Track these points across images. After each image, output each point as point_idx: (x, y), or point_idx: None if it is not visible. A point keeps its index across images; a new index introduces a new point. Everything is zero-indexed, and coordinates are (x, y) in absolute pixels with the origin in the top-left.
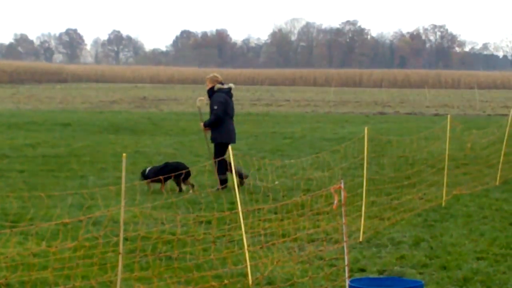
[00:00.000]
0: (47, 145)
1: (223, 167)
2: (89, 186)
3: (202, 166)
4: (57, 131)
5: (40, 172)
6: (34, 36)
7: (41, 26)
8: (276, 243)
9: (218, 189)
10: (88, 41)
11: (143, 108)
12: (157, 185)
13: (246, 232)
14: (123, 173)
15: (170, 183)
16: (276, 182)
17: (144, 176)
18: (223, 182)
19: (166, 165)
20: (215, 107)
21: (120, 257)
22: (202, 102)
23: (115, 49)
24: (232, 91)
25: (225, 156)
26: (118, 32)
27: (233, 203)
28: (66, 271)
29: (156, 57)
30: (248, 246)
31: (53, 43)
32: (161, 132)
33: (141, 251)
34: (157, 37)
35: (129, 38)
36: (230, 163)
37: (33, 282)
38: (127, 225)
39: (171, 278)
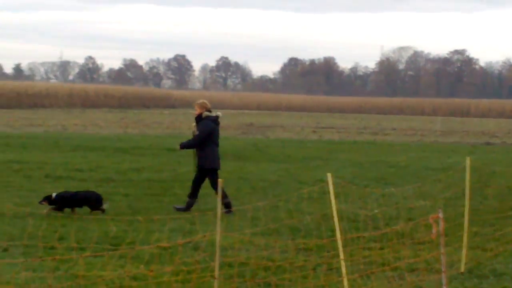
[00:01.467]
0: (152, 170)
1: (196, 192)
2: (192, 211)
3: (303, 193)
4: (163, 156)
5: (144, 197)
6: (143, 61)
7: (150, 52)
8: (375, 272)
9: (179, 209)
10: (197, 67)
11: (249, 134)
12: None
13: (345, 260)
14: (219, 199)
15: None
16: (376, 211)
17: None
18: (190, 206)
19: (76, 193)
20: (198, 133)
21: (215, 282)
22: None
23: (223, 75)
24: (219, 120)
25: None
26: (226, 58)
27: (333, 231)
28: None
29: (264, 84)
30: (347, 274)
31: (161, 69)
32: (266, 158)
33: (240, 276)
34: (265, 64)
35: (237, 65)
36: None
37: None
38: (227, 251)
39: None
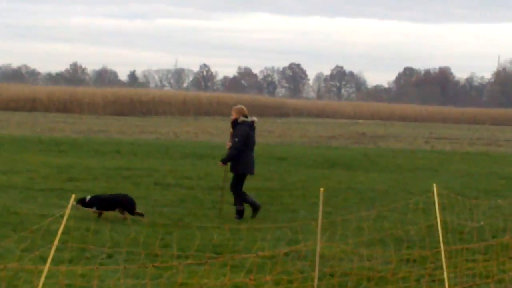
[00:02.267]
0: (261, 178)
1: (241, 198)
2: (299, 220)
3: (409, 203)
4: (273, 164)
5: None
6: (257, 69)
7: (265, 60)
8: (479, 284)
9: (236, 218)
10: (311, 76)
11: (361, 144)
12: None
13: (448, 272)
14: (321, 208)
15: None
16: (482, 223)
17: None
18: (240, 213)
19: (110, 197)
20: (236, 140)
21: None
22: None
23: (337, 84)
24: (255, 125)
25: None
26: (341, 67)
27: (437, 242)
28: None
29: (378, 93)
30: (450, 286)
31: (276, 77)
32: (376, 168)
33: (341, 287)
34: (379, 74)
35: (351, 74)
36: (245, 194)
37: None
38: (329, 261)
39: None
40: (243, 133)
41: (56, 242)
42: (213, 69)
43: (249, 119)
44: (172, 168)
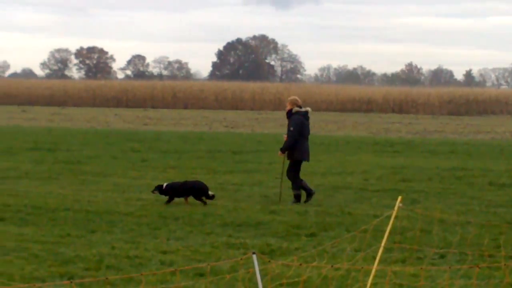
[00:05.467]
0: None
1: (297, 183)
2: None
3: None
4: None
5: None
6: None
7: None
8: None
9: (293, 203)
10: None
11: None
12: None
13: None
14: None
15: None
16: None
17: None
18: (297, 197)
19: (184, 183)
20: (291, 129)
21: None
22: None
23: None
24: (309, 115)
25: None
26: None
27: None
28: None
29: None
30: None
31: None
32: None
33: None
34: None
35: None
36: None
37: None
38: None
39: None
40: (298, 122)
41: (383, 243)
42: None
43: (303, 109)
44: (507, 168)
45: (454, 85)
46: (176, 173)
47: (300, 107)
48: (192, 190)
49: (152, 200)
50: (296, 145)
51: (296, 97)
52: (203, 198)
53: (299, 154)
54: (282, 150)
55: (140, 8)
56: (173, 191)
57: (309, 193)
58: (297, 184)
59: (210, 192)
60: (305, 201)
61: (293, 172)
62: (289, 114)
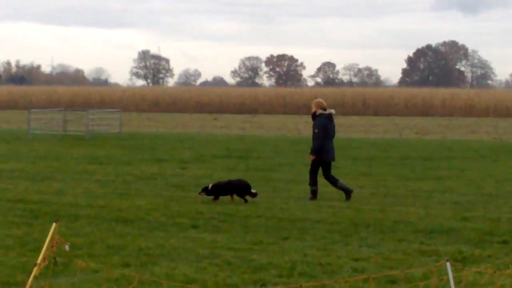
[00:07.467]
0: None
1: (314, 179)
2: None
3: None
4: None
5: None
6: None
7: None
8: None
9: (310, 198)
10: None
11: None
12: None
13: None
14: None
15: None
16: None
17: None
18: (314, 192)
19: (228, 182)
20: (316, 130)
21: None
22: None
23: None
24: (333, 116)
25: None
26: None
27: None
28: None
29: None
30: None
31: None
32: None
33: None
34: None
35: None
36: (338, 180)
37: None
38: None
39: None
40: (321, 124)
41: None
42: None
43: (327, 111)
44: None
45: None
46: (366, 179)
47: (325, 109)
48: (235, 188)
49: (343, 207)
50: (323, 146)
51: (321, 100)
52: (246, 196)
53: (327, 155)
54: (313, 152)
55: (328, 15)
56: (218, 190)
57: (348, 193)
58: (315, 181)
59: (253, 190)
60: (346, 200)
61: (313, 170)
62: (314, 116)
